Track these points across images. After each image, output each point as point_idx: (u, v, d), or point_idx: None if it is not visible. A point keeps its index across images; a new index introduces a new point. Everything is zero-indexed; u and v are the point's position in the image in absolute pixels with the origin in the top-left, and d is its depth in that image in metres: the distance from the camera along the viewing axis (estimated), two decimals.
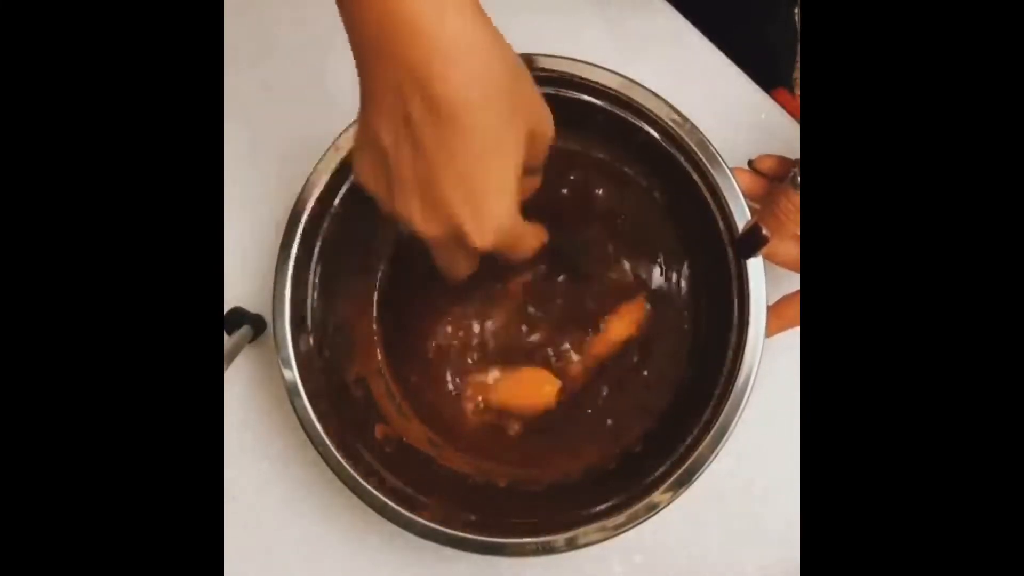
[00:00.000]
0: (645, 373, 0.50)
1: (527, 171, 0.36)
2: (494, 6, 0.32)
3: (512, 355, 0.50)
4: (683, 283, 0.50)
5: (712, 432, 0.44)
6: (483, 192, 0.34)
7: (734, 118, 0.52)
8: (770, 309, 0.44)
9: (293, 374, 0.46)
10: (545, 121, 0.36)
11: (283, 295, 0.46)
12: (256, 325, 0.50)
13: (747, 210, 0.44)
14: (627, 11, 0.53)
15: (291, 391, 0.46)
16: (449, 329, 0.51)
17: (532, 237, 0.39)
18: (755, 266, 0.44)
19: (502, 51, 0.33)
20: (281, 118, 0.54)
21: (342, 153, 0.46)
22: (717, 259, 0.46)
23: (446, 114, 0.32)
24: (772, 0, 0.71)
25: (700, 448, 0.44)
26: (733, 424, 0.44)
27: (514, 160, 0.34)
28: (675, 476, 0.44)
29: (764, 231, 0.42)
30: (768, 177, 0.46)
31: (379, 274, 0.52)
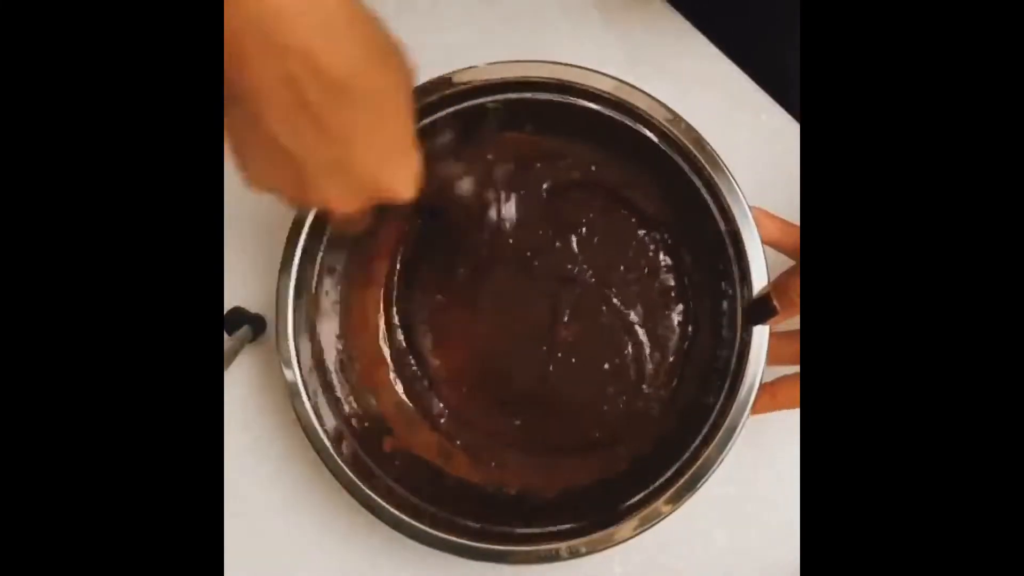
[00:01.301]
0: (651, 377, 0.50)
1: None
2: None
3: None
4: (685, 285, 0.50)
5: (715, 441, 0.43)
6: (397, 150, 0.35)
7: (734, 118, 0.52)
8: (762, 387, 0.44)
9: (293, 374, 0.46)
10: (412, 73, 0.36)
11: (284, 295, 0.46)
12: (256, 325, 0.50)
13: (748, 212, 0.44)
14: (628, 13, 0.53)
15: (291, 391, 0.46)
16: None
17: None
18: (758, 267, 0.44)
19: (369, 14, 0.33)
20: None
21: None
22: (718, 261, 0.46)
23: (343, 88, 0.32)
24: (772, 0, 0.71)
25: (702, 459, 0.43)
26: (737, 431, 0.43)
27: (410, 111, 0.35)
28: (679, 483, 0.43)
29: (774, 303, 0.43)
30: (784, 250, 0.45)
31: (385, 272, 0.51)
